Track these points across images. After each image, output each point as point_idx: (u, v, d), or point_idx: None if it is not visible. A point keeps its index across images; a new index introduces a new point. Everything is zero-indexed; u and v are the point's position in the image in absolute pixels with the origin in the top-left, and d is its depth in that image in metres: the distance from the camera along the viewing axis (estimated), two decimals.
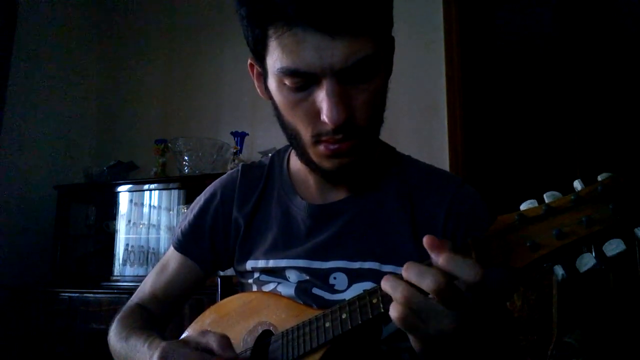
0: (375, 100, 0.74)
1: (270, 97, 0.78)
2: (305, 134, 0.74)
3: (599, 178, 0.52)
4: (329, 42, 0.66)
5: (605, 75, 2.50)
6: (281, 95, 0.73)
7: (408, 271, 0.56)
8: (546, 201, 0.54)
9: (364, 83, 0.71)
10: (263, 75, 0.78)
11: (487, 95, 2.97)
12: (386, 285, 0.57)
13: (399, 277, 0.57)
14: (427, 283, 0.54)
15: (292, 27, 0.66)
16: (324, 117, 0.69)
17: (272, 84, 0.75)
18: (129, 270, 2.75)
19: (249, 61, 0.81)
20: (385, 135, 0.83)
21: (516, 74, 3.11)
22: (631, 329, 1.91)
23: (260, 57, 0.74)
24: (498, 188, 2.62)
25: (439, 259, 0.55)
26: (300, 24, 0.66)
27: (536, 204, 0.55)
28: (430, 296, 0.55)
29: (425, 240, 0.57)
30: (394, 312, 0.56)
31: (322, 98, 0.69)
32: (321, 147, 0.74)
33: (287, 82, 0.70)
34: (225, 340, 0.69)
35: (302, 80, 0.69)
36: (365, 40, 0.68)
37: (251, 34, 0.72)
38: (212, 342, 0.69)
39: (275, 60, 0.70)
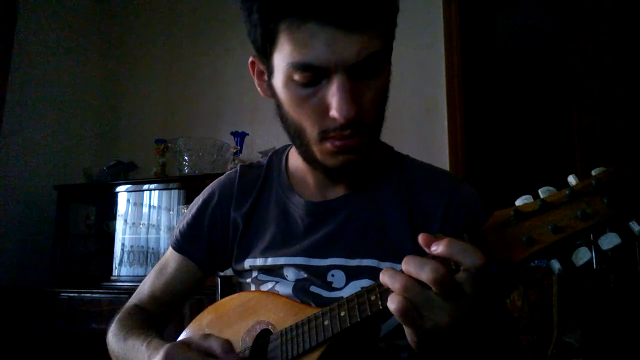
0: (380, 97, 0.75)
1: (274, 95, 0.77)
2: (312, 131, 0.74)
3: (593, 172, 0.52)
4: (343, 36, 0.66)
5: (605, 75, 2.50)
6: (288, 92, 0.73)
7: (407, 263, 0.56)
8: (541, 196, 0.54)
9: (372, 79, 0.71)
10: (267, 73, 0.77)
11: (487, 96, 2.97)
12: (384, 276, 0.58)
13: (398, 270, 0.57)
14: (426, 273, 0.54)
15: (305, 21, 0.67)
16: (334, 112, 0.69)
17: (278, 80, 0.74)
18: (129, 270, 2.75)
19: (251, 59, 0.81)
20: (385, 135, 0.83)
21: (516, 74, 3.10)
22: (631, 329, 1.90)
23: (266, 54, 0.74)
24: (498, 188, 2.62)
25: (440, 246, 0.55)
26: (314, 18, 0.66)
27: (531, 200, 0.55)
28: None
29: (421, 238, 0.57)
30: (391, 303, 0.56)
31: (332, 93, 0.69)
32: (327, 144, 0.74)
33: (296, 77, 0.70)
34: (228, 345, 0.70)
35: (312, 75, 0.69)
36: (376, 35, 0.69)
37: (261, 30, 0.72)
38: (215, 347, 0.70)
39: (285, 55, 0.70)
